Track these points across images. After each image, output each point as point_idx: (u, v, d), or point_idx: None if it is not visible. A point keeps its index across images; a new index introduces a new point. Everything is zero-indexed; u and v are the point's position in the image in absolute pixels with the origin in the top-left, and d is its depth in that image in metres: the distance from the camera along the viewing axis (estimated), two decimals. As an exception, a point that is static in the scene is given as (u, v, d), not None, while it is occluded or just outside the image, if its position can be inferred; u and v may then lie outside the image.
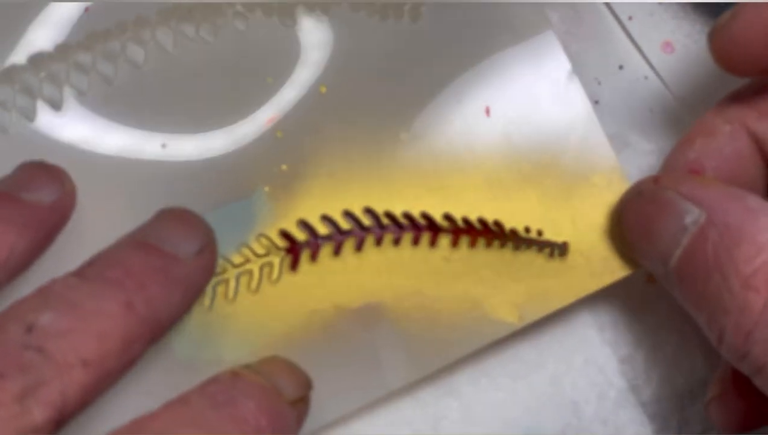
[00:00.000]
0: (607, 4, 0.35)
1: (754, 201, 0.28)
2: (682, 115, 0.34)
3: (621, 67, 0.34)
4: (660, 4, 0.35)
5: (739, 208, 0.27)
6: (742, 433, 0.30)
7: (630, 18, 0.35)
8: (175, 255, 0.27)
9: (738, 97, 0.31)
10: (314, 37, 0.31)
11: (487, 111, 0.31)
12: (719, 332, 0.27)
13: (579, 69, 0.32)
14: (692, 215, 0.28)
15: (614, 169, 0.31)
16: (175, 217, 0.28)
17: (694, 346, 0.33)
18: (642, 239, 0.30)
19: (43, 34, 0.30)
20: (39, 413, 0.23)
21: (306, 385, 0.28)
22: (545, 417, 0.32)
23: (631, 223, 0.30)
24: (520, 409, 0.32)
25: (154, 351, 0.28)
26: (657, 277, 0.30)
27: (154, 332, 0.26)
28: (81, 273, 0.26)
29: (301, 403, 0.28)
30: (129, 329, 0.25)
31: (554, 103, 0.32)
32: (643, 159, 0.33)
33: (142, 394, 0.28)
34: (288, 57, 0.31)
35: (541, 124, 0.31)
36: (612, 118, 0.32)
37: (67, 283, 0.26)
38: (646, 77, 0.34)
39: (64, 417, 0.24)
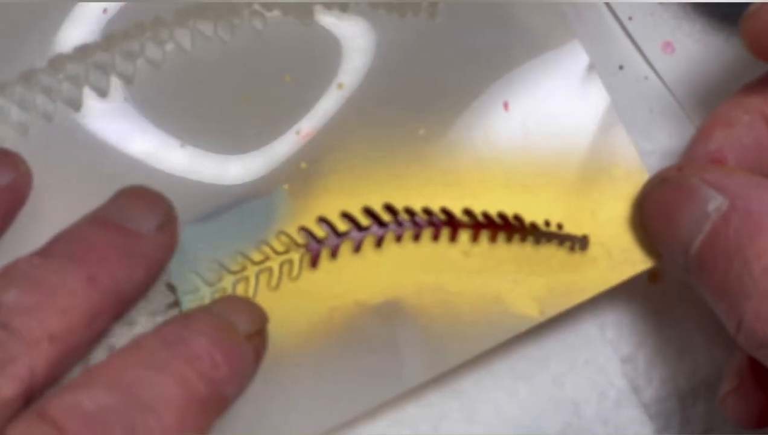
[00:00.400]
0: (608, 4, 0.35)
1: None
2: (682, 115, 0.34)
3: (621, 67, 0.34)
4: (660, 4, 0.35)
5: (762, 195, 0.27)
6: (758, 427, 0.30)
7: (630, 18, 0.35)
8: (137, 231, 0.27)
9: (755, 88, 0.31)
10: (332, 35, 0.31)
11: (506, 105, 0.31)
12: (738, 320, 0.27)
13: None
14: (715, 202, 0.28)
15: (634, 161, 0.31)
16: (134, 195, 0.29)
17: (696, 345, 0.33)
18: (663, 227, 0.29)
19: (64, 36, 0.30)
20: (8, 388, 0.24)
21: (261, 318, 0.28)
22: (546, 417, 0.32)
23: (652, 211, 0.30)
24: (521, 408, 0.32)
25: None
26: (677, 267, 0.30)
27: (118, 306, 0.27)
28: (43, 251, 0.27)
29: (257, 337, 0.28)
30: (93, 304, 0.26)
31: (573, 96, 0.32)
32: (643, 159, 0.33)
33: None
34: (306, 55, 0.31)
35: (560, 117, 0.31)
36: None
37: (29, 261, 0.26)
38: (646, 77, 0.34)
39: (32, 391, 0.24)
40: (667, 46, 0.34)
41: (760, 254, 0.26)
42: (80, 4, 0.31)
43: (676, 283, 0.30)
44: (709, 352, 0.33)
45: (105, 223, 0.27)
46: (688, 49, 0.35)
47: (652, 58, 0.34)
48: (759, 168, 0.30)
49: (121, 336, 0.28)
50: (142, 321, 0.28)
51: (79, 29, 0.30)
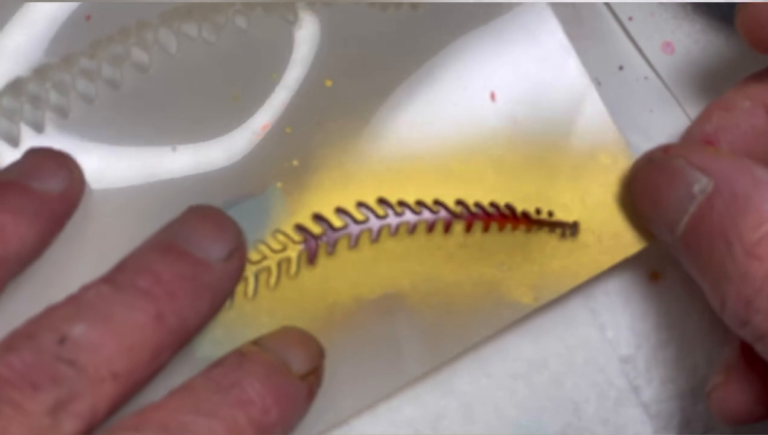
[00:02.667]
0: (607, 5, 0.35)
1: (762, 172, 0.28)
2: (683, 116, 0.34)
3: (621, 68, 0.34)
4: (660, 4, 0.35)
5: (747, 178, 0.28)
6: (740, 423, 0.30)
7: (630, 18, 0.35)
8: (205, 260, 0.27)
9: (760, 77, 0.31)
10: (316, 32, 0.32)
11: (493, 96, 0.32)
12: (721, 299, 0.27)
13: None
14: (700, 184, 0.28)
15: (620, 146, 0.32)
16: (205, 218, 0.28)
17: (696, 346, 0.33)
18: (651, 207, 0.30)
19: (47, 44, 0.30)
20: (69, 426, 0.24)
21: (318, 355, 0.28)
22: (546, 416, 0.32)
23: (640, 191, 0.31)
24: (521, 408, 0.32)
25: (175, 352, 0.28)
26: (665, 245, 0.30)
27: (182, 341, 0.27)
28: (112, 280, 0.26)
29: (312, 376, 0.28)
30: (159, 341, 0.26)
31: (558, 85, 0.32)
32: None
33: (161, 394, 0.27)
34: (292, 52, 0.31)
35: (546, 106, 0.32)
36: (612, 119, 0.32)
37: (98, 292, 0.26)
38: (646, 77, 0.34)
39: (91, 429, 0.24)
40: (667, 46, 0.34)
41: (742, 236, 0.27)
42: (64, 12, 0.30)
43: (676, 283, 0.30)
44: (708, 352, 0.33)
45: (173, 250, 0.27)
46: (688, 50, 0.35)
47: (652, 58, 0.34)
48: (752, 153, 0.30)
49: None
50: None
51: (63, 37, 0.30)
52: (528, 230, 0.31)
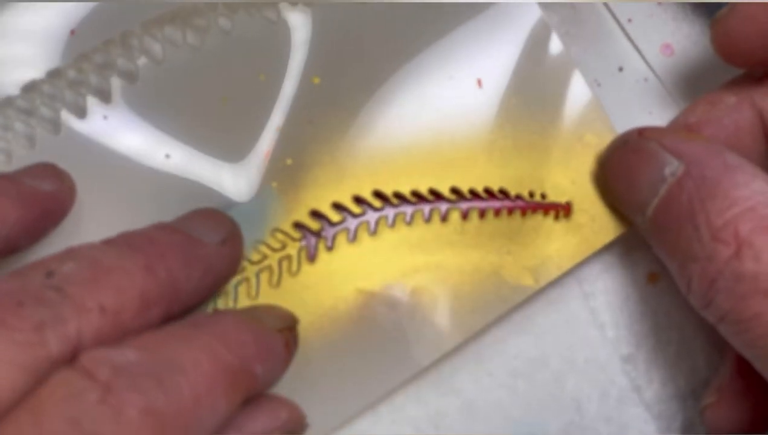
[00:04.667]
0: (607, 6, 0.35)
1: (733, 158, 0.28)
2: None
3: (621, 69, 0.34)
4: (659, 5, 0.35)
5: (717, 162, 0.28)
6: None
7: (629, 20, 0.35)
8: (200, 239, 0.28)
9: (750, 75, 0.32)
10: (300, 30, 0.32)
11: (480, 83, 0.32)
12: (687, 280, 0.28)
13: (579, 70, 0.33)
14: (671, 166, 0.29)
15: (605, 126, 0.32)
16: (201, 213, 0.29)
17: (696, 346, 0.33)
18: (623, 187, 0.30)
19: (35, 62, 0.30)
20: (55, 346, 0.23)
21: (291, 318, 0.29)
22: (548, 415, 0.32)
23: (613, 171, 0.31)
24: (523, 407, 0.32)
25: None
26: (635, 225, 0.31)
27: (172, 302, 0.27)
28: (105, 240, 0.27)
29: (287, 331, 0.28)
30: (147, 289, 0.26)
31: (541, 67, 0.32)
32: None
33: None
34: (277, 53, 0.31)
35: (531, 88, 0.32)
36: (612, 120, 0.32)
37: (91, 245, 0.26)
38: (645, 79, 0.34)
39: (77, 355, 0.24)
40: (667, 48, 0.34)
41: (709, 220, 0.27)
42: (48, 28, 0.30)
43: (674, 285, 0.30)
44: (708, 354, 0.33)
45: (170, 228, 0.28)
46: (688, 51, 0.35)
47: (651, 59, 0.35)
48: (731, 148, 0.30)
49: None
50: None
51: (49, 54, 0.30)
52: (523, 214, 0.31)
